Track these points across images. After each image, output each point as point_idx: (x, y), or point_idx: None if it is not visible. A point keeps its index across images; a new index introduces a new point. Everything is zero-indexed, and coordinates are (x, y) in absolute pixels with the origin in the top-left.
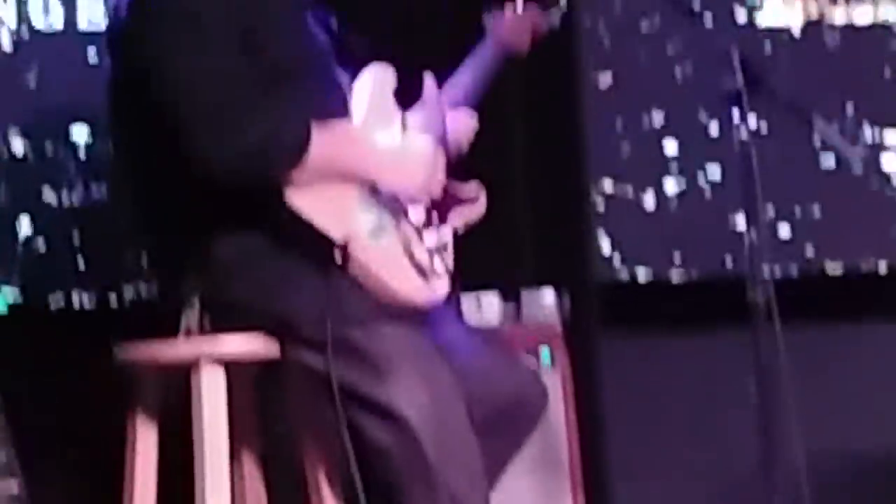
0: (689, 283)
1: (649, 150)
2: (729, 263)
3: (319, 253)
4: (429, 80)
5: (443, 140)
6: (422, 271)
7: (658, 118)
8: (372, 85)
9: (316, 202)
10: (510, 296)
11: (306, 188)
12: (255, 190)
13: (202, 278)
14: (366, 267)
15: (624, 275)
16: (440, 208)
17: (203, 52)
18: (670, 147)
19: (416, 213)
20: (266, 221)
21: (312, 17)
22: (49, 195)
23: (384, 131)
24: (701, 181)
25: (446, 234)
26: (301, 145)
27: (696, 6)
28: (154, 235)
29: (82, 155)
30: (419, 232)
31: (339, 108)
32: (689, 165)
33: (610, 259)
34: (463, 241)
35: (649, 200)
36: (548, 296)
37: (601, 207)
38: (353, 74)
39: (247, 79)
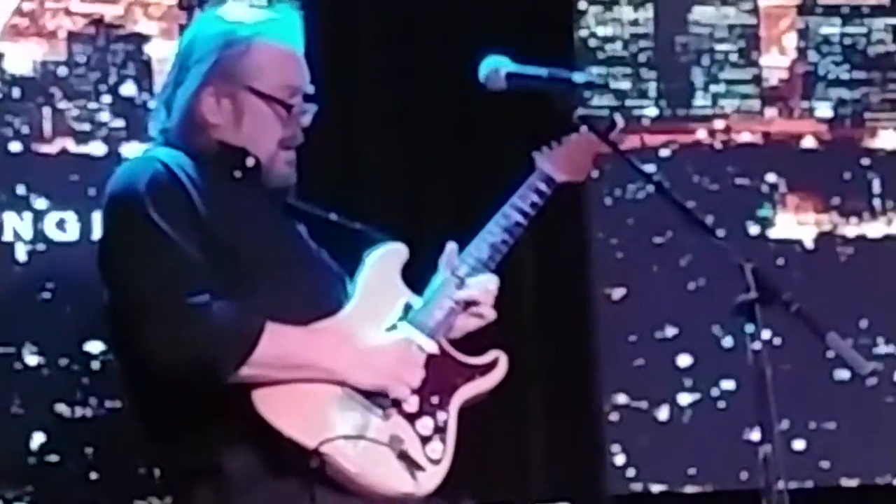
0: (704, 496)
1: (663, 362)
2: (744, 476)
3: (297, 462)
4: (449, 247)
5: (444, 324)
6: (411, 464)
7: (671, 331)
8: (371, 269)
9: (287, 408)
10: None
11: (275, 393)
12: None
13: (214, 493)
14: (343, 470)
15: (637, 487)
16: (445, 386)
17: (154, 249)
18: (683, 360)
19: (410, 402)
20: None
21: (297, 213)
22: (62, 408)
23: (373, 321)
24: (714, 394)
25: (446, 416)
26: (246, 343)
27: (709, 220)
28: (164, 449)
29: (96, 368)
30: (412, 420)
31: (324, 299)
32: (702, 378)
33: (623, 471)
34: (475, 453)
35: (663, 413)
36: None
37: (615, 420)
38: (355, 261)
39: (197, 274)
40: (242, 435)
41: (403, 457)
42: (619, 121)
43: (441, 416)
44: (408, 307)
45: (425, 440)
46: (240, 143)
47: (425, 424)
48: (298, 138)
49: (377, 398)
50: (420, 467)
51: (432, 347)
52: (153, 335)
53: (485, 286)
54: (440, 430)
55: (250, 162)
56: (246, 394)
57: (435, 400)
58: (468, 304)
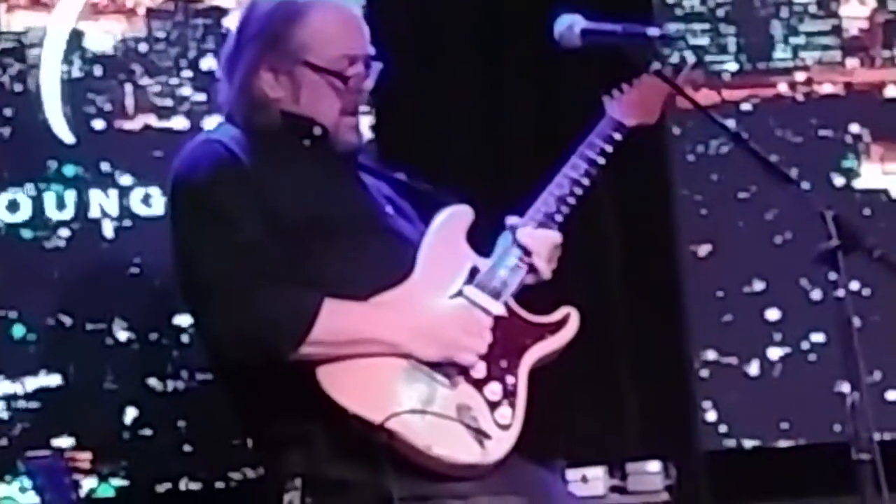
0: (797, 450)
1: (751, 317)
2: (837, 429)
3: (365, 437)
4: (510, 221)
5: (511, 284)
6: (478, 433)
7: (759, 285)
8: (435, 234)
9: (352, 383)
10: (616, 469)
11: (339, 368)
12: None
13: (304, 457)
14: (411, 444)
15: (730, 443)
16: (514, 348)
17: (212, 235)
18: (772, 314)
19: (478, 367)
20: None
21: (371, 175)
22: (154, 382)
23: (437, 288)
24: (805, 347)
25: (514, 379)
26: (303, 323)
27: (793, 173)
28: (252, 420)
29: (186, 341)
30: (480, 386)
31: (391, 267)
32: (791, 332)
33: (715, 427)
34: (567, 413)
35: (753, 368)
36: (654, 467)
37: (705, 376)
38: (426, 223)
39: (257, 256)
40: (321, 407)
41: (470, 426)
42: (690, 59)
43: (510, 379)
44: (474, 270)
45: (494, 406)
46: (303, 113)
47: (493, 390)
48: (360, 103)
49: (443, 367)
50: (487, 435)
51: (499, 309)
52: (212, 321)
53: (543, 240)
54: (509, 394)
55: (317, 131)
56: (311, 370)
57: (503, 364)
58: (525, 253)
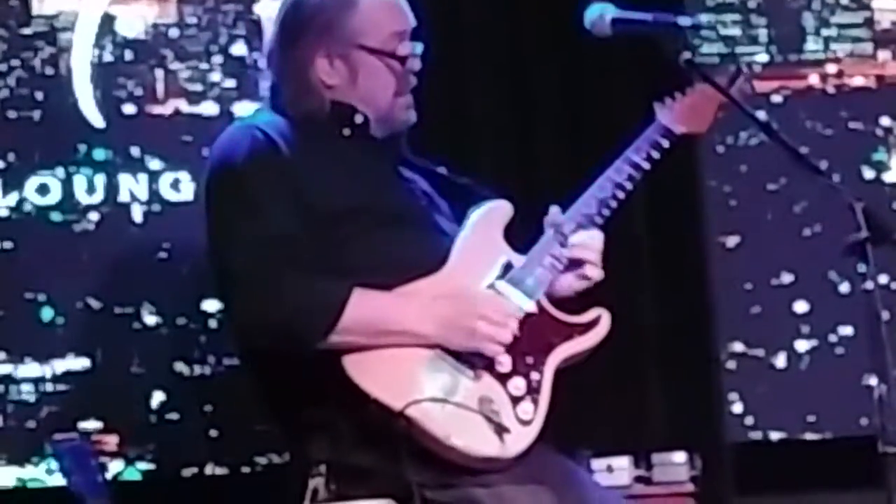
0: (823, 443)
1: (779, 309)
2: (864, 422)
3: (386, 423)
4: (553, 209)
5: (544, 282)
6: (498, 426)
7: (787, 278)
8: (472, 227)
9: (376, 370)
10: (641, 459)
11: (365, 356)
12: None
13: (329, 444)
14: (429, 432)
15: (756, 435)
16: (541, 345)
17: (245, 221)
18: (800, 307)
19: (503, 362)
20: None
21: (411, 169)
22: (181, 367)
23: (469, 281)
24: (832, 340)
25: (539, 376)
26: (331, 313)
27: (823, 166)
28: (279, 406)
29: (213, 326)
30: (504, 380)
31: (424, 258)
32: (819, 325)
33: (741, 419)
34: (593, 403)
35: (780, 360)
36: (679, 458)
37: (732, 368)
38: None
39: (288, 245)
40: (346, 394)
41: (490, 419)
42: (744, 69)
43: (534, 376)
44: (507, 266)
45: (516, 400)
46: (355, 99)
47: (517, 385)
48: (412, 83)
49: (469, 359)
50: (507, 429)
51: (530, 306)
52: (240, 307)
53: (589, 243)
54: (533, 390)
55: (359, 119)
56: (337, 358)
57: (529, 360)
58: (572, 263)
